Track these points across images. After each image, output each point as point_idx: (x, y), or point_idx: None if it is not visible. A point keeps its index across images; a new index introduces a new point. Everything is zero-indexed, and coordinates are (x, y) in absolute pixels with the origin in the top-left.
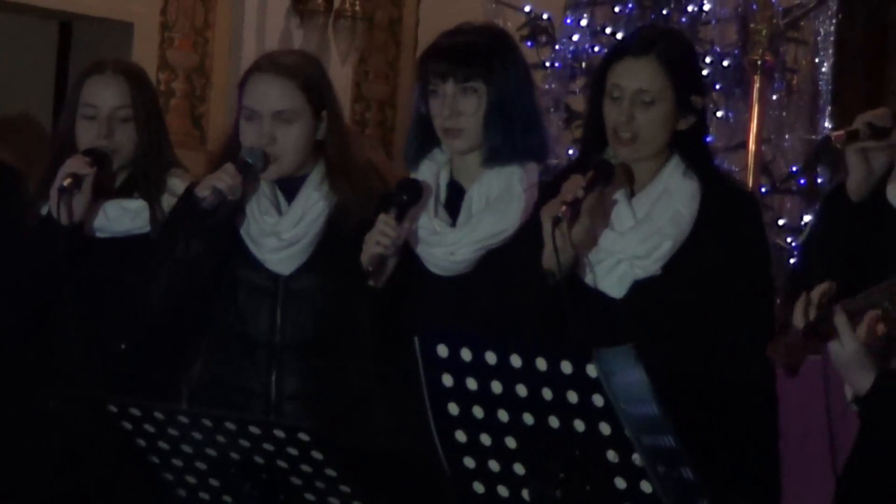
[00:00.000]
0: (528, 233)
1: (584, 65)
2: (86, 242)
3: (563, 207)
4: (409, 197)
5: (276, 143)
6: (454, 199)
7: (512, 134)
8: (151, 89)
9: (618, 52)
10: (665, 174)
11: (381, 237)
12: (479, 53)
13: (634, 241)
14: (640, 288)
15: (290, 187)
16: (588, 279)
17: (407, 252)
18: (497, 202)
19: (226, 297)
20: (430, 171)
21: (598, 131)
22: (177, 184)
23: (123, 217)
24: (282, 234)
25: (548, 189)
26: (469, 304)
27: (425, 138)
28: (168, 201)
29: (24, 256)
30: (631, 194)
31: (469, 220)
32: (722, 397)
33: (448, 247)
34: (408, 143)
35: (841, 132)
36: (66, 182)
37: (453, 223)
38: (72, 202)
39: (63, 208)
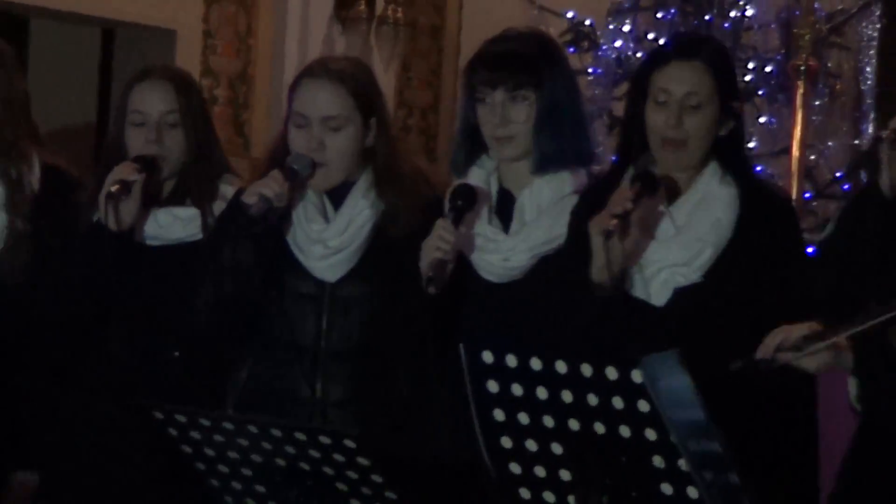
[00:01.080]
0: (573, 240)
1: (626, 71)
2: (137, 250)
3: (614, 221)
4: (464, 202)
5: (325, 148)
6: (504, 206)
7: (562, 140)
8: (199, 95)
9: (661, 57)
10: (703, 181)
11: (440, 242)
12: (529, 61)
13: (675, 250)
14: (681, 295)
15: (337, 194)
16: (629, 287)
17: (459, 259)
18: (550, 209)
19: (272, 303)
20: (481, 178)
21: (638, 137)
22: (228, 190)
23: (175, 225)
24: (328, 241)
25: (586, 196)
26: (521, 310)
27: (473, 146)
28: (220, 208)
29: (76, 263)
30: (669, 201)
31: (523, 226)
32: (762, 402)
33: (503, 253)
34: (455, 150)
35: (892, 130)
36: (115, 188)
37: (505, 229)
38: (120, 208)
39: (111, 214)
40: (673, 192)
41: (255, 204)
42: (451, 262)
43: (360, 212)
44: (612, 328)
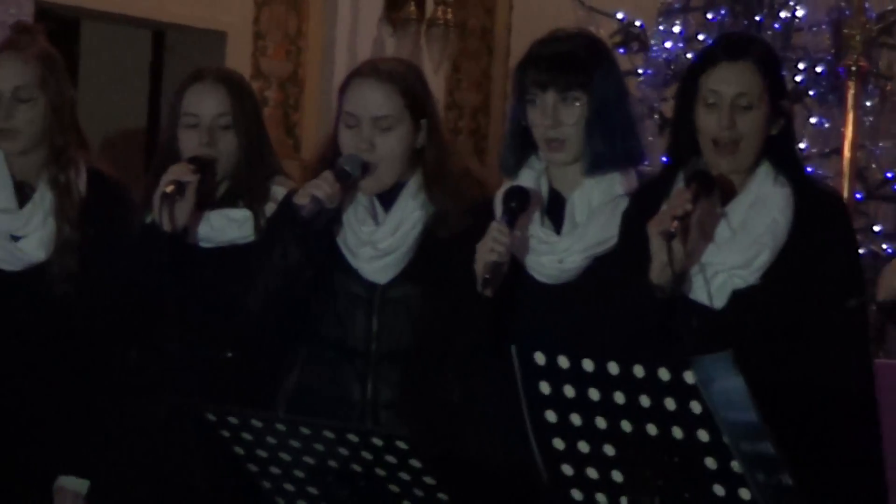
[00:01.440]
0: (625, 242)
1: (676, 71)
2: (190, 251)
3: (675, 223)
4: (518, 204)
5: (375, 149)
6: (554, 207)
7: (612, 141)
8: (252, 97)
9: (709, 58)
10: (756, 181)
11: (495, 245)
12: (579, 62)
13: (733, 252)
14: (740, 298)
15: (386, 196)
16: (688, 290)
17: (512, 261)
18: (601, 209)
19: (323, 305)
20: (531, 179)
21: (688, 139)
22: (280, 192)
23: (228, 227)
24: (378, 243)
25: (637, 198)
26: (574, 311)
27: (523, 147)
28: (271, 209)
29: (129, 266)
30: (723, 202)
31: (575, 227)
32: (822, 404)
33: (557, 255)
34: (505, 151)
35: None
36: (169, 189)
37: (557, 231)
38: (174, 209)
39: (165, 215)
40: (728, 193)
41: (306, 205)
42: (505, 264)
43: (409, 213)
44: (671, 330)
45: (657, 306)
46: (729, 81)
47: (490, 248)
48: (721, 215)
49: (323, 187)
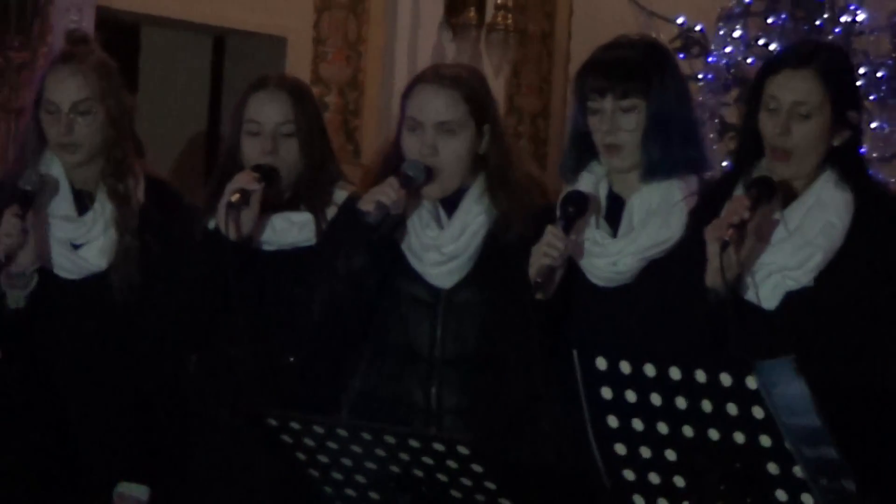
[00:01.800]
0: (688, 245)
1: (737, 76)
2: (253, 256)
3: (731, 230)
4: (575, 209)
5: (438, 154)
6: (614, 211)
7: (670, 148)
8: (314, 104)
9: (775, 64)
10: (818, 185)
11: (549, 249)
12: (638, 69)
13: (786, 253)
14: (792, 299)
15: (450, 201)
16: (743, 291)
17: (570, 264)
18: (658, 212)
19: (387, 310)
20: (591, 184)
21: (753, 144)
22: (341, 195)
23: (290, 230)
24: (442, 247)
25: (703, 200)
26: (631, 315)
27: (583, 152)
28: (333, 213)
29: (192, 272)
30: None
31: (631, 230)
32: (879, 407)
33: (611, 257)
34: (565, 156)
35: None
36: (234, 198)
37: (614, 234)
38: (240, 217)
39: (231, 223)
40: (790, 198)
41: (372, 211)
42: (560, 268)
43: (473, 218)
44: (724, 333)
45: (710, 309)
46: (788, 88)
47: (544, 253)
48: (778, 221)
49: (388, 193)
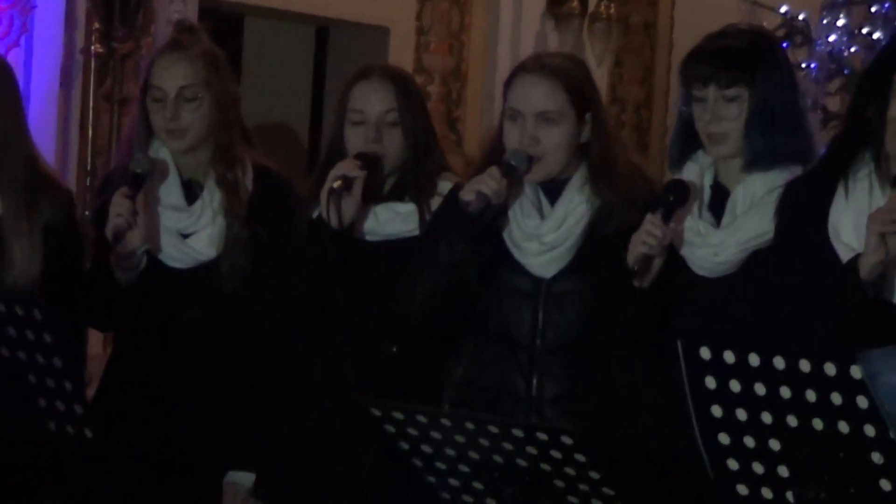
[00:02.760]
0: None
1: (840, 65)
2: (356, 246)
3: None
4: (675, 198)
5: (539, 143)
6: (719, 201)
7: (774, 138)
8: (418, 93)
9: None
10: None
11: (647, 237)
12: (741, 58)
13: None
14: None
15: (552, 190)
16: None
17: (672, 254)
18: (762, 203)
19: (489, 299)
20: (694, 173)
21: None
22: (445, 186)
23: (394, 220)
24: (544, 237)
25: (792, 189)
26: (734, 305)
27: (689, 140)
28: (436, 203)
29: (296, 261)
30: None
31: (733, 221)
32: None
33: (712, 248)
34: (671, 144)
35: None
36: (336, 184)
37: (718, 224)
38: (341, 204)
39: (333, 211)
40: None
41: (473, 201)
42: (658, 257)
43: (575, 207)
44: (861, 328)
45: (854, 303)
46: None
47: (642, 241)
48: None
49: (489, 183)
